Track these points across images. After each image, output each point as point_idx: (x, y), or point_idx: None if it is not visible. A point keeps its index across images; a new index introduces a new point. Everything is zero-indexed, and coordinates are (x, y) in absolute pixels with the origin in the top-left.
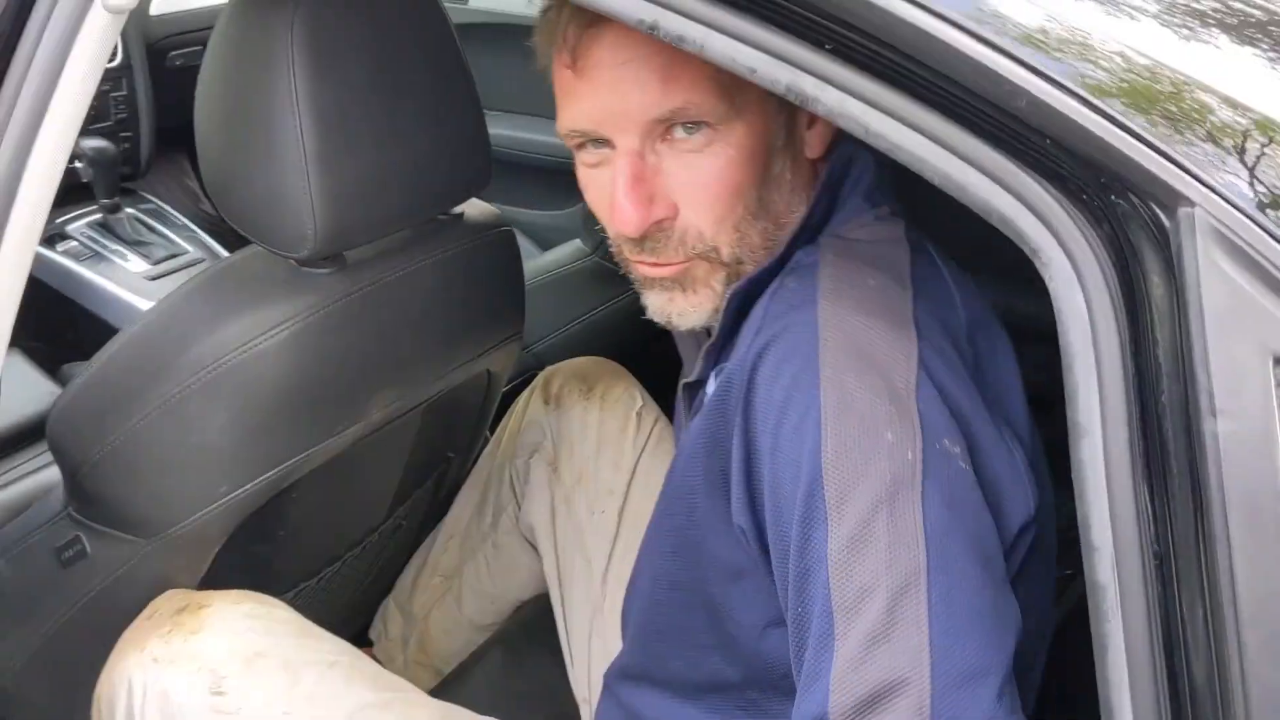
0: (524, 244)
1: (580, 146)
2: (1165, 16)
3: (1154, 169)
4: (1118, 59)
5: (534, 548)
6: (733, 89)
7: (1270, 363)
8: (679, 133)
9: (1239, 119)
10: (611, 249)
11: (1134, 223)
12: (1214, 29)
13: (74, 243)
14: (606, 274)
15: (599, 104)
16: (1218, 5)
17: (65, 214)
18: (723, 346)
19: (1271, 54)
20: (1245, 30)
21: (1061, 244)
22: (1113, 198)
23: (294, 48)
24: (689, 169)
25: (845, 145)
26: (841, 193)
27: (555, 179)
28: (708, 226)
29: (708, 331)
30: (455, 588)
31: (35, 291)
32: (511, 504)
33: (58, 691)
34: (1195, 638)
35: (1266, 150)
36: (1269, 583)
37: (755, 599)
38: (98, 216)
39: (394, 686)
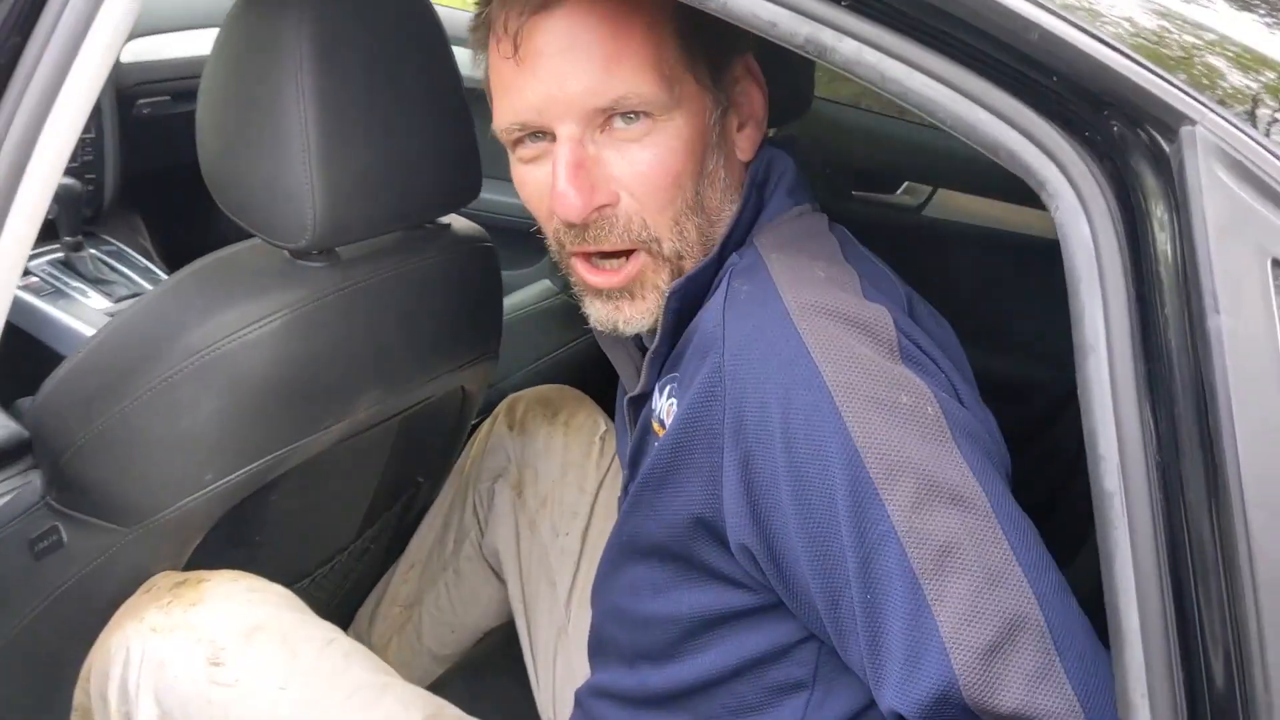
0: None
1: (518, 142)
2: None
3: (1157, 91)
4: (1125, 24)
5: (496, 574)
6: (673, 79)
7: (1269, 264)
8: (618, 123)
9: (1244, 77)
10: (550, 247)
11: (1136, 151)
12: None
13: (35, 279)
14: (574, 312)
15: (541, 92)
16: None
17: (34, 253)
18: (667, 355)
19: (1269, 18)
20: None
21: (1067, 176)
22: (1116, 129)
23: (303, 44)
24: (628, 158)
25: (766, 149)
26: (767, 191)
27: (517, 239)
28: (649, 214)
29: (639, 346)
30: (415, 617)
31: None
32: (474, 530)
33: (31, 686)
34: (1200, 534)
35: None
36: (1272, 463)
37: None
38: (60, 255)
39: (388, 671)
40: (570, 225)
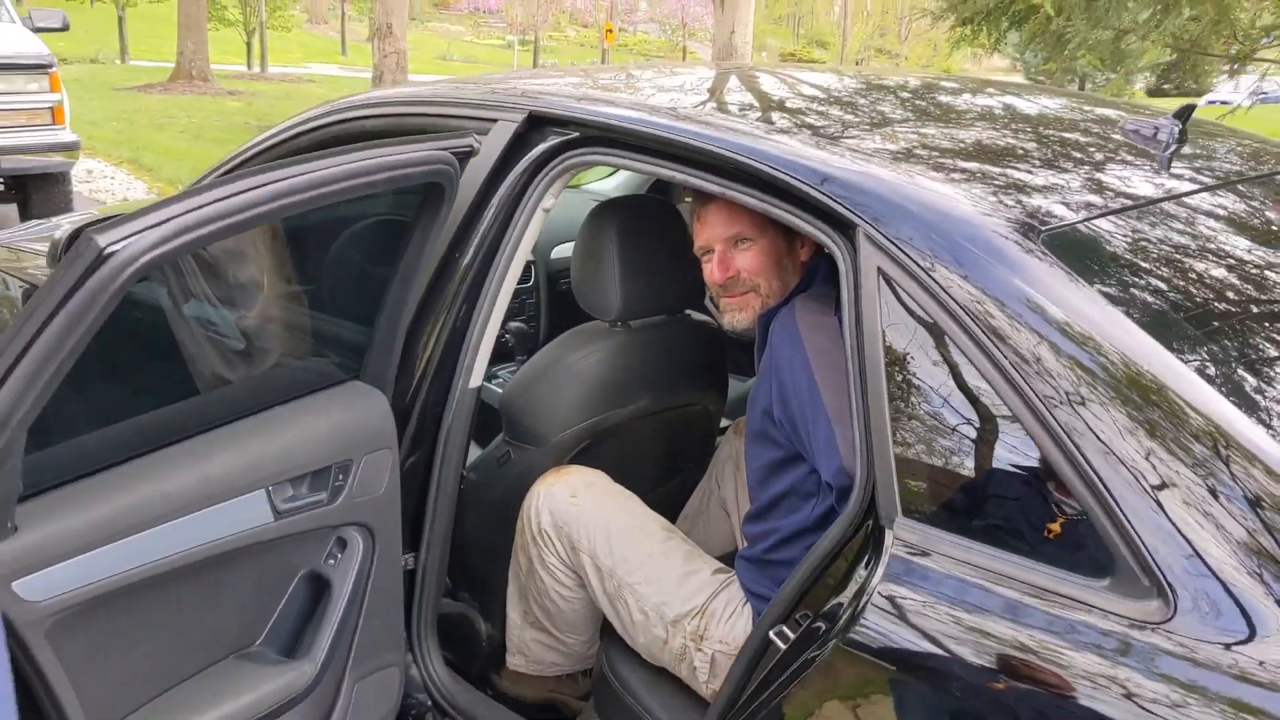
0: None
1: (703, 255)
2: None
3: (853, 218)
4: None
5: (726, 514)
6: (761, 225)
7: (875, 271)
8: (739, 244)
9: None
10: (712, 297)
11: (854, 240)
12: None
13: (501, 378)
14: None
15: (707, 235)
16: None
17: (498, 366)
18: (762, 346)
19: None
20: None
21: (839, 248)
22: (851, 231)
23: (613, 230)
24: (743, 259)
25: (818, 258)
26: (814, 278)
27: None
28: (754, 278)
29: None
30: None
31: (482, 410)
32: (716, 490)
33: (501, 526)
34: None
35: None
36: None
37: (785, 456)
38: (515, 369)
39: (655, 514)
40: (718, 286)
